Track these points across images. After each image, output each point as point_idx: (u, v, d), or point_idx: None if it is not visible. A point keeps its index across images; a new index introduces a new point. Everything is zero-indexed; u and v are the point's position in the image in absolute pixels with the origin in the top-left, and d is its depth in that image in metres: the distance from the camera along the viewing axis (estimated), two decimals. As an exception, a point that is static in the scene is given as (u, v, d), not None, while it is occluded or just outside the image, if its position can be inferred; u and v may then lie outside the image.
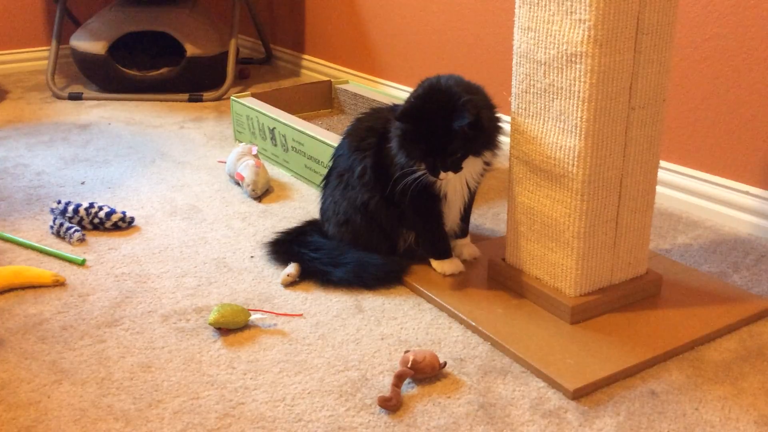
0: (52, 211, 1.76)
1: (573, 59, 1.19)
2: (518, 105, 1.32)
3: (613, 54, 1.18)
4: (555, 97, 1.24)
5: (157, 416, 1.12)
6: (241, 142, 2.26)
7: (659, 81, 1.26)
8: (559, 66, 1.22)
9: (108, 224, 1.72)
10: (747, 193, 1.69)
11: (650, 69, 1.24)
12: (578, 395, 1.14)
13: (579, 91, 1.19)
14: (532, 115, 1.29)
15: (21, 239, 1.68)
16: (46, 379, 1.21)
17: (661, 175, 1.83)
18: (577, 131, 1.21)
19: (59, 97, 2.88)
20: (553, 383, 1.17)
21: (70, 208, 1.73)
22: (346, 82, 2.58)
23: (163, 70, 2.88)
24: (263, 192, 1.95)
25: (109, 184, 2.03)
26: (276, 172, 2.11)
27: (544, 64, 1.24)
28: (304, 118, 2.16)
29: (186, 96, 2.85)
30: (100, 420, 1.11)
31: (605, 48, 1.17)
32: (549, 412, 1.11)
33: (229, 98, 2.79)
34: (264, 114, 2.16)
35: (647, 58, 1.23)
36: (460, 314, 1.34)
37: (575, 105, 1.21)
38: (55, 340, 1.31)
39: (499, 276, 1.44)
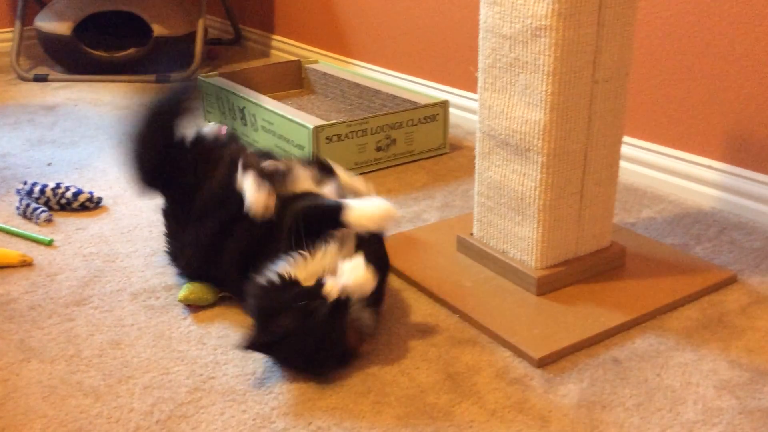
0: (18, 191, 1.74)
1: (537, 33, 1.20)
2: (485, 80, 1.33)
3: (576, 27, 1.20)
4: (520, 71, 1.25)
5: (127, 391, 1.12)
6: (211, 122, 2.24)
7: (623, 55, 1.28)
8: (524, 40, 1.23)
9: (75, 204, 1.71)
10: (710, 167, 1.73)
11: (614, 42, 1.26)
12: (543, 363, 1.17)
13: (543, 65, 1.21)
14: (499, 90, 1.31)
15: (-14, 220, 1.66)
16: (15, 357, 1.20)
17: (626, 150, 1.86)
18: (542, 105, 1.23)
19: (24, 79, 2.83)
20: (518, 352, 1.19)
21: (37, 189, 1.71)
22: (316, 61, 2.57)
23: (130, 51, 2.84)
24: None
25: (76, 165, 2.01)
26: (246, 152, 2.10)
27: (509, 38, 1.25)
28: (274, 98, 2.15)
29: (153, 77, 2.82)
30: (69, 396, 1.11)
31: (569, 21, 1.19)
32: (514, 380, 1.14)
33: (197, 79, 2.77)
34: (234, 93, 2.15)
35: (611, 31, 1.25)
36: (428, 288, 1.36)
37: (540, 79, 1.22)
38: (23, 320, 1.30)
39: (468, 250, 1.46)
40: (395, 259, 1.46)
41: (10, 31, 3.26)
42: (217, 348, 1.22)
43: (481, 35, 1.31)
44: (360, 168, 1.95)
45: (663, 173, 1.82)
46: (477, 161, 1.40)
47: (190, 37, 2.89)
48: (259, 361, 1.18)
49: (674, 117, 1.79)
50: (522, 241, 1.34)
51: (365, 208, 1.18)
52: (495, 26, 1.27)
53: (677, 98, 1.77)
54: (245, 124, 2.14)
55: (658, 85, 1.80)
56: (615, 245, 1.42)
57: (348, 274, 1.10)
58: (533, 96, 1.24)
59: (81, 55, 2.81)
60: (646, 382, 1.14)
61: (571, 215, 1.33)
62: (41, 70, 2.93)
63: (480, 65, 1.33)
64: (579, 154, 1.30)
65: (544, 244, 1.31)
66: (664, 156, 1.82)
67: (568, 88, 1.23)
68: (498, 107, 1.32)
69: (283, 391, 1.12)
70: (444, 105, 2.05)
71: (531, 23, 1.21)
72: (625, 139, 1.86)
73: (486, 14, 1.29)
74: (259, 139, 2.09)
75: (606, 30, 1.24)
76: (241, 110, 2.13)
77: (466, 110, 2.34)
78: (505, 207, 1.36)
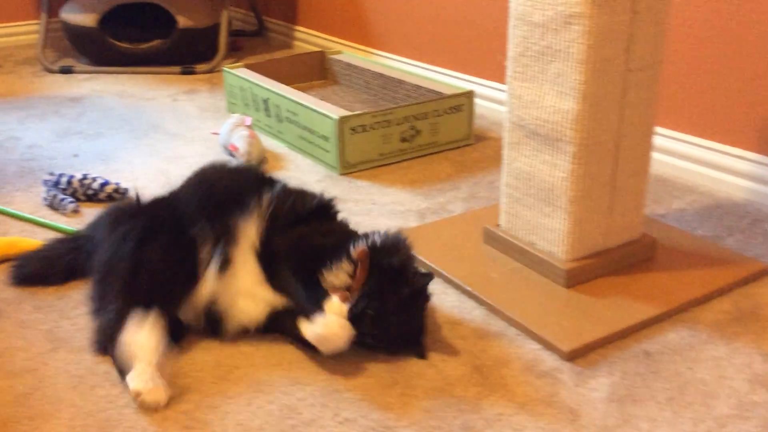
0: (45, 182, 1.75)
1: (570, 20, 1.18)
2: (514, 69, 1.31)
3: (610, 14, 1.17)
4: (552, 59, 1.23)
5: (154, 381, 1.12)
6: (235, 113, 2.24)
7: (657, 43, 1.25)
8: (556, 28, 1.20)
9: (102, 195, 1.72)
10: (742, 157, 1.69)
11: (648, 30, 1.23)
12: (573, 356, 1.15)
13: (576, 53, 1.19)
14: (529, 79, 1.28)
15: (15, 211, 1.67)
16: (43, 347, 1.21)
17: (656, 140, 1.83)
18: (574, 94, 1.21)
19: (50, 71, 2.85)
20: (548, 345, 1.17)
21: (64, 180, 1.72)
22: (340, 52, 2.56)
23: (155, 43, 2.85)
24: (258, 163, 1.94)
25: (102, 156, 2.02)
26: (270, 143, 2.10)
27: (540, 26, 1.23)
28: (298, 89, 2.14)
29: (178, 68, 2.82)
30: (97, 386, 1.11)
31: (603, 8, 1.16)
32: (544, 373, 1.12)
33: (221, 70, 2.77)
34: (257, 85, 2.14)
35: (645, 19, 1.22)
36: (455, 279, 1.35)
37: (572, 67, 1.20)
38: (50, 309, 1.31)
39: (494, 242, 1.44)
40: (421, 250, 1.44)
41: (37, 23, 3.28)
42: (242, 339, 1.22)
43: (511, 23, 1.29)
44: (384, 159, 1.94)
45: (693, 164, 1.79)
46: (505, 152, 1.38)
47: (215, 28, 2.89)
48: (285, 351, 1.18)
49: (706, 106, 1.75)
50: (551, 233, 1.32)
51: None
52: (526, 14, 1.25)
53: (708, 87, 1.73)
54: (269, 115, 2.13)
55: (689, 74, 1.76)
56: (646, 237, 1.39)
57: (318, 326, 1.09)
58: (565, 85, 1.22)
59: (106, 46, 2.82)
60: (678, 376, 1.11)
61: (602, 206, 1.31)
62: (67, 62, 2.95)
63: (509, 54, 1.31)
64: (610, 145, 1.27)
65: (573, 235, 1.29)
66: (694, 146, 1.78)
67: (601, 77, 1.21)
68: (528, 96, 1.29)
69: (309, 382, 1.11)
70: (469, 95, 2.02)
71: (563, 10, 1.18)
72: (655, 128, 1.82)
73: (516, 2, 1.27)
74: (283, 130, 2.08)
75: (640, 18, 1.22)
76: (265, 101, 2.13)
77: (491, 100, 2.32)
78: (533, 198, 1.34)
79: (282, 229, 1.21)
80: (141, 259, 1.18)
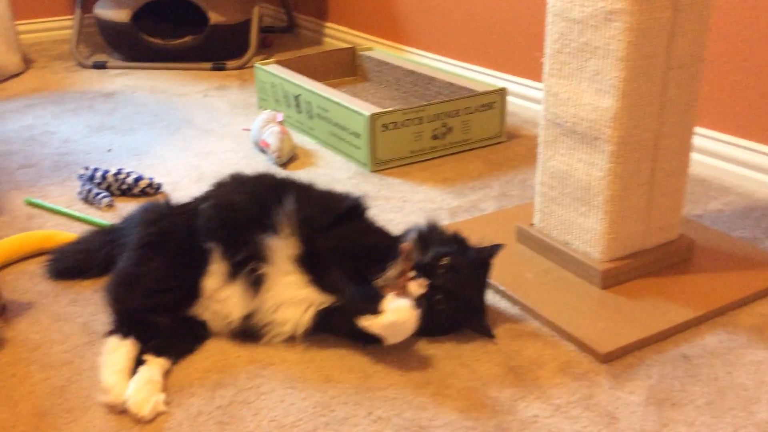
0: (80, 177, 1.77)
1: (610, 17, 1.16)
2: (551, 66, 1.29)
3: (652, 11, 1.15)
4: (590, 56, 1.21)
5: (187, 376, 1.12)
6: (266, 109, 2.24)
7: (698, 40, 1.23)
8: (596, 24, 1.19)
9: (136, 190, 1.73)
10: (782, 158, 1.66)
11: (689, 27, 1.21)
12: (609, 359, 1.13)
13: (616, 50, 1.17)
14: (566, 76, 1.27)
15: (50, 204, 1.69)
16: (79, 340, 1.22)
17: (693, 139, 1.79)
18: (613, 91, 1.19)
19: (84, 66, 2.88)
20: (583, 347, 1.15)
21: (98, 174, 1.74)
22: (371, 48, 2.55)
23: (187, 39, 2.87)
24: (288, 159, 1.94)
25: (135, 151, 2.03)
26: (300, 140, 2.10)
27: (579, 22, 1.21)
28: (328, 86, 2.14)
29: (209, 64, 2.84)
30: (132, 379, 1.12)
31: (644, 4, 1.14)
32: (580, 375, 1.11)
33: (251, 67, 2.78)
34: (289, 81, 2.15)
35: (686, 16, 1.20)
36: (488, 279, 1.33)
37: (611, 64, 1.18)
38: (86, 303, 1.32)
39: (528, 241, 1.43)
40: (454, 248, 1.43)
41: (71, 19, 3.33)
42: (276, 335, 1.22)
43: (548, 19, 1.27)
44: (416, 156, 1.93)
45: (731, 164, 1.75)
46: (540, 150, 1.37)
47: (245, 24, 2.90)
48: (317, 349, 1.18)
49: (743, 105, 1.72)
50: (586, 233, 1.31)
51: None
52: (564, 10, 1.23)
53: (746, 86, 1.70)
54: (300, 112, 2.14)
55: (726, 72, 1.73)
56: (683, 238, 1.37)
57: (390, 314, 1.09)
58: (603, 82, 1.20)
59: (139, 42, 2.85)
60: (716, 380, 1.09)
61: (640, 206, 1.29)
62: (100, 57, 2.99)
63: (546, 50, 1.30)
64: (649, 143, 1.25)
65: (610, 235, 1.27)
66: (732, 146, 1.75)
67: (641, 75, 1.19)
68: (565, 94, 1.28)
69: (342, 379, 1.11)
70: (502, 93, 2.01)
71: (603, 7, 1.16)
72: (692, 128, 1.79)
73: (554, -2, 1.25)
74: (314, 126, 2.08)
75: (682, 14, 1.19)
76: (296, 97, 2.13)
77: (523, 98, 2.30)
78: (569, 197, 1.32)
79: (319, 231, 1.20)
80: (138, 273, 1.19)
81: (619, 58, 1.17)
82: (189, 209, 1.29)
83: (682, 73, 1.24)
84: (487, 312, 1.23)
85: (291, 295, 1.17)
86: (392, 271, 1.15)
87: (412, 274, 1.14)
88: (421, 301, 1.12)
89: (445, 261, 1.16)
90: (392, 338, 1.11)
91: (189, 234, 1.22)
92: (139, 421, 1.03)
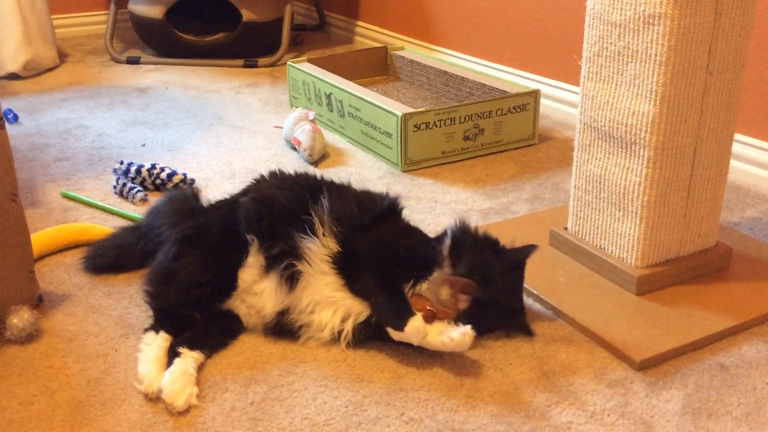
0: (115, 171, 1.79)
1: (651, 21, 1.15)
2: (589, 69, 1.28)
3: (693, 15, 1.14)
4: (629, 60, 1.20)
5: (220, 371, 1.13)
6: (297, 107, 2.25)
7: (739, 45, 1.21)
8: (636, 28, 1.17)
9: (169, 185, 1.75)
10: (822, 166, 1.63)
11: (731, 32, 1.19)
12: (644, 366, 1.12)
13: (656, 54, 1.15)
14: (604, 80, 1.26)
15: (85, 198, 1.71)
16: (114, 333, 1.23)
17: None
18: (652, 96, 1.17)
19: (117, 61, 2.91)
20: (618, 354, 1.14)
21: (133, 169, 1.75)
22: (402, 48, 2.55)
23: (219, 36, 2.89)
24: (319, 157, 1.95)
25: (168, 146, 2.05)
26: (331, 138, 2.11)
27: (619, 25, 1.20)
28: (360, 85, 2.14)
29: (241, 61, 2.86)
30: (166, 373, 1.13)
31: (685, 9, 1.13)
32: (614, 382, 1.10)
33: (283, 64, 2.79)
34: (321, 80, 2.15)
35: (728, 21, 1.18)
36: (521, 282, 1.33)
37: (651, 69, 1.17)
38: (121, 296, 1.34)
39: (561, 245, 1.42)
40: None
41: (105, 14, 3.37)
42: (309, 333, 1.22)
43: (587, 22, 1.26)
44: (447, 157, 1.93)
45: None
46: (576, 153, 1.36)
47: (278, 22, 2.92)
48: (348, 348, 1.18)
49: (785, 112, 1.69)
50: (622, 238, 1.29)
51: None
52: (604, 12, 1.22)
53: (789, 92, 1.67)
54: (331, 110, 2.14)
55: (765, 79, 1.70)
56: (720, 245, 1.35)
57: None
58: (642, 87, 1.19)
59: (172, 38, 2.87)
60: (754, 391, 1.08)
61: (677, 213, 1.27)
62: (133, 53, 3.02)
63: (584, 53, 1.28)
64: (688, 149, 1.23)
65: (646, 241, 1.26)
66: (771, 153, 1.72)
67: (681, 80, 1.17)
68: (602, 98, 1.27)
69: (374, 379, 1.11)
70: (535, 94, 1.99)
71: (644, 10, 1.15)
72: (729, 134, 1.76)
73: (594, 0, 1.24)
74: (345, 125, 2.09)
75: (724, 19, 1.18)
76: (328, 96, 2.14)
77: (555, 100, 2.28)
78: (604, 202, 1.31)
79: (356, 231, 1.20)
80: (175, 268, 1.20)
81: (659, 62, 1.15)
82: (226, 204, 1.30)
83: (723, 78, 1.22)
84: (525, 312, 1.23)
85: (327, 296, 1.17)
86: (425, 285, 1.15)
87: (464, 299, 1.14)
88: (463, 315, 1.14)
89: (480, 270, 1.16)
90: (449, 350, 1.13)
91: (226, 228, 1.23)
92: (172, 411, 1.04)
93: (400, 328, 1.09)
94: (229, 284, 1.19)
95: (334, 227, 1.19)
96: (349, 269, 1.17)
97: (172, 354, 1.12)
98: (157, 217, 1.37)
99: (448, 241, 1.20)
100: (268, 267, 1.19)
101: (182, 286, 1.19)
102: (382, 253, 1.17)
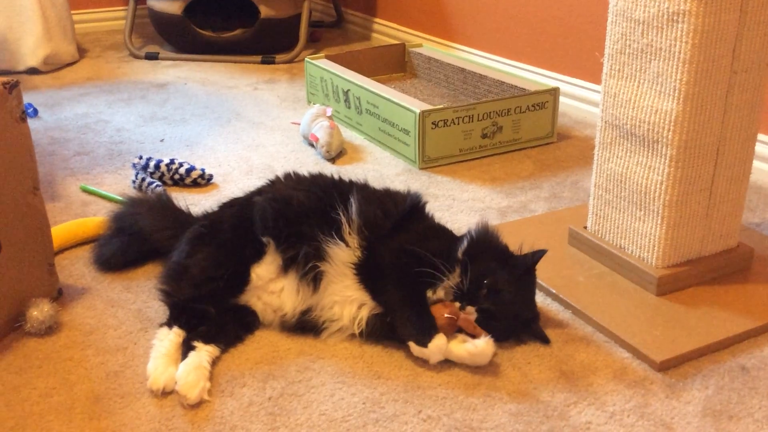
0: (134, 166, 1.80)
1: (675, 18, 1.13)
2: (611, 66, 1.27)
3: (718, 13, 1.12)
4: (653, 58, 1.19)
5: (238, 366, 1.13)
6: (315, 104, 2.25)
7: (764, 43, 1.19)
8: (659, 25, 1.16)
9: (188, 180, 1.75)
10: None
11: (756, 30, 1.17)
12: (665, 367, 1.11)
13: (680, 52, 1.14)
14: (626, 77, 1.24)
15: (105, 192, 1.72)
16: (133, 326, 1.24)
17: (752, 146, 1.75)
18: (675, 94, 1.16)
19: (136, 57, 2.93)
20: (638, 354, 1.13)
21: (152, 164, 1.76)
22: (420, 45, 2.54)
23: (237, 32, 2.90)
24: (337, 154, 1.94)
25: (187, 142, 2.06)
26: (349, 135, 2.11)
27: (642, 23, 1.19)
28: (377, 82, 2.14)
29: (259, 58, 2.86)
30: (184, 368, 1.14)
31: (710, 6, 1.11)
32: (634, 383, 1.09)
33: (300, 61, 2.80)
34: (338, 76, 2.15)
35: (754, 19, 1.16)
36: (539, 281, 1.31)
37: (675, 66, 1.15)
38: (139, 290, 1.34)
39: (580, 244, 1.41)
40: (504, 249, 1.42)
41: (124, 9, 3.38)
42: (326, 329, 1.22)
43: (610, 19, 1.25)
44: (464, 155, 1.92)
45: (792, 172, 1.71)
46: (597, 152, 1.35)
47: (295, 19, 2.92)
48: (366, 344, 1.18)
49: (808, 112, 1.67)
50: (643, 238, 1.28)
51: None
52: (627, 9, 1.21)
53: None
54: (349, 107, 2.14)
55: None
56: (742, 246, 1.34)
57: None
58: (666, 85, 1.17)
59: (190, 34, 2.88)
60: (776, 394, 1.06)
61: (699, 212, 1.26)
62: (152, 49, 3.03)
63: (607, 51, 1.27)
64: (711, 148, 1.22)
65: (667, 241, 1.25)
66: (794, 153, 1.70)
67: (705, 78, 1.16)
68: (624, 95, 1.25)
69: (391, 376, 1.11)
70: (554, 92, 1.98)
71: (668, 7, 1.14)
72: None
73: (617, -3, 1.23)
74: (362, 122, 2.08)
75: (749, 17, 1.16)
76: (345, 93, 2.13)
77: (574, 98, 2.27)
78: (625, 201, 1.30)
79: (380, 236, 1.19)
80: (187, 264, 1.21)
81: (682, 60, 1.14)
82: (239, 202, 1.31)
83: (747, 77, 1.20)
84: (539, 317, 1.21)
85: (348, 296, 1.17)
86: (441, 291, 1.15)
87: (472, 313, 1.13)
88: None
89: (486, 282, 1.13)
90: (469, 363, 1.12)
91: (238, 225, 1.23)
92: (185, 404, 1.05)
93: (423, 344, 1.09)
94: (241, 279, 1.19)
95: (358, 233, 1.18)
96: (373, 281, 1.16)
97: (186, 348, 1.12)
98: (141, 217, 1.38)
99: (464, 245, 1.18)
100: (286, 267, 1.19)
101: (195, 281, 1.19)
102: (405, 264, 1.15)
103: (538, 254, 1.18)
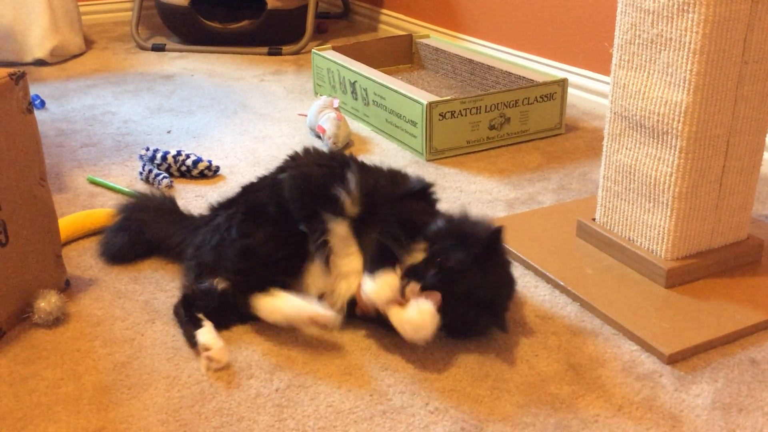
0: (141, 157, 1.80)
1: (685, 7, 1.12)
2: (620, 57, 1.26)
3: (729, 3, 1.11)
4: (663, 48, 1.17)
5: (246, 358, 1.13)
6: (322, 95, 2.25)
7: (777, 33, 1.18)
8: (669, 15, 1.15)
9: (195, 172, 1.75)
10: None
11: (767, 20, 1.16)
12: (674, 360, 1.10)
13: (690, 42, 1.13)
14: (636, 68, 1.23)
15: (112, 183, 1.72)
16: (140, 318, 1.24)
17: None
18: (686, 85, 1.15)
19: (143, 48, 2.93)
20: (647, 347, 1.13)
21: (159, 155, 1.76)
22: (427, 36, 2.53)
23: (244, 23, 2.89)
24: (344, 145, 1.94)
25: (193, 133, 2.06)
26: (355, 126, 2.10)
27: (652, 12, 1.18)
28: (384, 73, 2.13)
29: (265, 49, 2.85)
30: (191, 359, 1.14)
31: (722, -4, 1.10)
32: (643, 376, 1.08)
33: (307, 52, 2.79)
34: (345, 67, 2.14)
35: (765, 8, 1.15)
36: (547, 273, 1.31)
37: (685, 57, 1.14)
38: (147, 281, 1.34)
39: (589, 236, 1.40)
40: (511, 241, 1.42)
41: (131, 1, 3.38)
42: (333, 321, 1.22)
43: (619, 9, 1.24)
44: (472, 146, 1.91)
45: (802, 163, 1.69)
46: (605, 143, 1.34)
47: (302, 10, 2.91)
48: (373, 336, 1.17)
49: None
50: (652, 230, 1.27)
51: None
52: None
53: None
54: (356, 98, 2.13)
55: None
56: (752, 238, 1.33)
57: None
58: (676, 75, 1.16)
59: (197, 26, 2.88)
60: (786, 388, 1.06)
61: (709, 204, 1.25)
62: (159, 40, 3.03)
63: (616, 41, 1.26)
64: (721, 140, 1.21)
65: (676, 233, 1.24)
66: (805, 145, 1.69)
67: (715, 68, 1.15)
68: (634, 86, 1.24)
69: (398, 368, 1.11)
70: (563, 83, 1.97)
71: (679, -3, 1.13)
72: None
73: (627, -13, 1.21)
74: (369, 113, 2.08)
75: (760, 6, 1.15)
76: (353, 84, 2.13)
77: (583, 89, 2.25)
78: (634, 193, 1.29)
79: (385, 202, 1.20)
80: (249, 245, 1.20)
81: (693, 50, 1.13)
82: (266, 184, 1.29)
83: (759, 67, 1.19)
84: (507, 305, 1.17)
85: (351, 269, 1.18)
86: (414, 254, 1.13)
87: (414, 290, 1.10)
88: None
89: (439, 260, 1.10)
90: (409, 335, 1.08)
91: (279, 204, 1.22)
92: (215, 367, 1.10)
93: (372, 272, 1.09)
94: (302, 257, 1.20)
95: (363, 198, 1.19)
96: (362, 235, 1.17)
97: (194, 320, 1.16)
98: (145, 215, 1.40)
99: (437, 225, 1.16)
100: (313, 247, 1.20)
101: (265, 262, 1.19)
102: (397, 216, 1.16)
103: (495, 233, 1.12)
